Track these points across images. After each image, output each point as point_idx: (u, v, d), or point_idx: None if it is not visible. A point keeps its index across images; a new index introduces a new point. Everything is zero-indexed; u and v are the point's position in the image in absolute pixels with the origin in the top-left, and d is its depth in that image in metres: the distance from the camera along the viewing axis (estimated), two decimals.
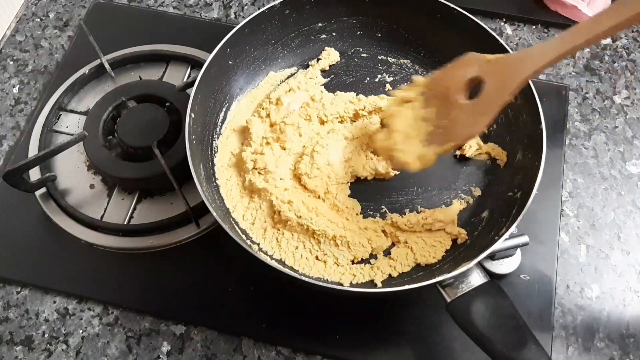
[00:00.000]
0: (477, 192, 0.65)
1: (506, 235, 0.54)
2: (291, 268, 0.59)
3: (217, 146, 0.67)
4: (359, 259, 0.60)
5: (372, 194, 0.65)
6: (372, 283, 0.59)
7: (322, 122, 0.68)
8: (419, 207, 0.64)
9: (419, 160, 0.57)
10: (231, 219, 0.62)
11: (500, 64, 0.52)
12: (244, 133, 0.68)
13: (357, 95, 0.70)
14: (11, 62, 0.81)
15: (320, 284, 0.56)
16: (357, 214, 0.63)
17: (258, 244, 0.61)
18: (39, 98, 0.77)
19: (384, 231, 0.62)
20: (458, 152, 0.67)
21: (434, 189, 0.66)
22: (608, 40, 0.80)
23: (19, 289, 0.65)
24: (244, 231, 0.61)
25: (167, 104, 0.71)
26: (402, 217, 0.62)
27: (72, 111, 0.75)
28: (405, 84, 0.71)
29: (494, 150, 0.66)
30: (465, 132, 0.54)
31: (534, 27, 0.82)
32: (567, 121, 0.74)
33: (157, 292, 0.64)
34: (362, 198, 0.65)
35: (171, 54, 0.77)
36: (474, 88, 0.54)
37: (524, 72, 0.49)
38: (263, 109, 0.69)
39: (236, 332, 0.62)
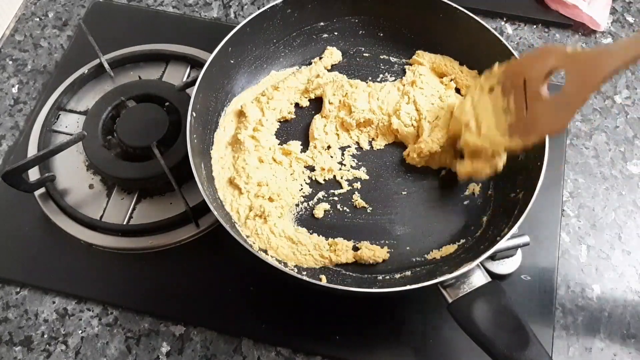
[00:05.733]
0: (479, 192, 0.65)
1: (508, 235, 0.54)
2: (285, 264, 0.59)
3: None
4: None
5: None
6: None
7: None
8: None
9: (505, 155, 0.57)
10: (232, 219, 0.61)
11: (582, 58, 0.51)
12: (240, 117, 0.69)
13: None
14: (10, 62, 0.81)
15: (320, 283, 0.56)
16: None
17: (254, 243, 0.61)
18: (38, 98, 0.77)
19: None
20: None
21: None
22: (609, 39, 0.80)
23: (18, 289, 0.65)
24: (243, 230, 0.61)
25: (167, 103, 0.71)
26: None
27: (71, 111, 0.75)
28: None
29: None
30: (549, 127, 0.53)
31: (535, 26, 0.82)
32: None
33: (157, 292, 0.64)
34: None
35: (170, 54, 0.77)
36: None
37: (607, 68, 0.47)
38: (263, 95, 0.69)
39: (236, 332, 0.62)
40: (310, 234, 0.62)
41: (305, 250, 0.60)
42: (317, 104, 0.71)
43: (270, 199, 0.62)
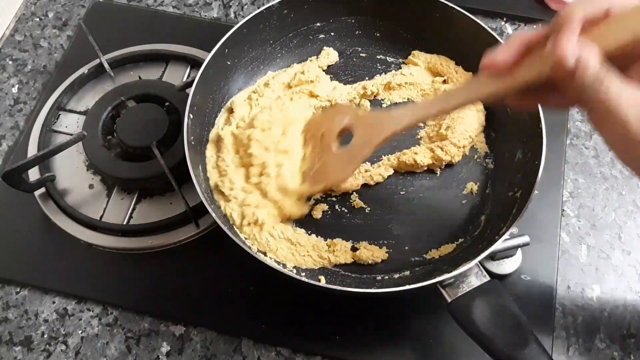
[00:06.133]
0: (477, 191, 0.65)
1: (506, 235, 0.54)
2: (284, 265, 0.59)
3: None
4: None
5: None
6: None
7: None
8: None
9: (295, 198, 0.61)
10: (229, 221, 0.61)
11: (368, 120, 0.58)
12: (228, 115, 0.68)
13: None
14: (10, 62, 0.81)
15: (319, 284, 0.56)
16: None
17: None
18: (38, 98, 0.77)
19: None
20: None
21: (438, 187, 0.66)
22: None
23: (18, 289, 0.65)
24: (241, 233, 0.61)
25: (167, 103, 0.71)
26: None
27: (71, 111, 0.75)
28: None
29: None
30: (335, 176, 0.59)
31: (535, 26, 0.82)
32: (568, 121, 0.73)
33: (157, 292, 0.64)
34: None
35: (170, 54, 0.77)
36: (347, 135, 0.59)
37: (386, 131, 0.56)
38: (255, 92, 0.69)
39: (236, 332, 0.62)
40: (309, 234, 0.62)
41: (303, 251, 0.60)
42: None
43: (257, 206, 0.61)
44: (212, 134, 0.67)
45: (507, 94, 0.48)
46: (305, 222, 0.64)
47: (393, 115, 0.56)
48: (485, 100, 0.51)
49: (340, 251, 0.61)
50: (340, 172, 0.59)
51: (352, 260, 0.61)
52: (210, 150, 0.65)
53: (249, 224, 0.60)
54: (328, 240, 0.62)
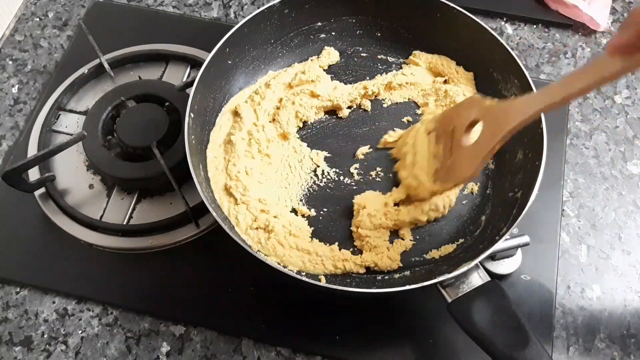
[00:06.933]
0: (477, 191, 0.65)
1: (507, 235, 0.54)
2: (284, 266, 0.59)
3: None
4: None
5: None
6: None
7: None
8: None
9: (430, 197, 0.60)
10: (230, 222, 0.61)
11: (494, 110, 0.54)
12: (235, 117, 0.68)
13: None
14: (10, 62, 0.81)
15: (319, 284, 0.56)
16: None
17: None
18: (38, 98, 0.77)
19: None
20: None
21: None
22: (609, 39, 0.80)
23: (18, 290, 0.65)
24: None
25: (167, 103, 0.71)
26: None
27: (71, 111, 0.75)
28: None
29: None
30: (462, 173, 0.57)
31: (535, 26, 0.82)
32: (568, 121, 0.73)
33: (157, 292, 0.64)
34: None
35: (170, 54, 0.77)
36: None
37: (512, 122, 0.52)
38: (257, 94, 0.69)
39: (236, 332, 0.62)
40: (325, 244, 0.61)
41: (318, 260, 0.59)
42: None
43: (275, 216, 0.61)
44: (215, 134, 0.67)
45: (632, 70, 0.46)
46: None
47: (518, 105, 0.52)
48: (610, 79, 0.46)
49: (356, 260, 0.60)
50: (467, 169, 0.56)
51: (365, 269, 0.60)
52: (214, 151, 0.65)
53: (257, 228, 0.60)
54: (342, 250, 0.61)
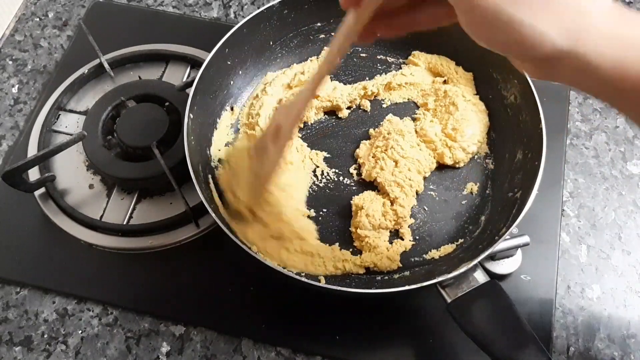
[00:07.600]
0: (477, 192, 0.65)
1: (506, 235, 0.54)
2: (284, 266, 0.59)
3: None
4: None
5: None
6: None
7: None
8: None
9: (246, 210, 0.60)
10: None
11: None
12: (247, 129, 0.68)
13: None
14: (10, 62, 0.81)
15: (319, 284, 0.56)
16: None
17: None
18: (38, 98, 0.77)
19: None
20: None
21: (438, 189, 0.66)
22: None
23: (18, 290, 0.65)
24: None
25: (167, 103, 0.71)
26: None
27: (71, 111, 0.75)
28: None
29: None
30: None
31: None
32: (568, 121, 0.73)
33: (157, 292, 0.64)
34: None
35: (170, 54, 0.77)
36: None
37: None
38: (256, 98, 0.69)
39: (236, 332, 0.62)
40: (327, 245, 0.61)
41: (320, 262, 0.60)
42: None
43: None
44: (217, 135, 0.67)
45: (370, 17, 0.44)
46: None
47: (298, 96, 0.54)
48: (352, 33, 0.45)
49: (356, 261, 0.60)
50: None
51: (365, 269, 0.60)
52: (219, 154, 0.66)
53: (270, 236, 0.60)
54: (343, 250, 0.61)
